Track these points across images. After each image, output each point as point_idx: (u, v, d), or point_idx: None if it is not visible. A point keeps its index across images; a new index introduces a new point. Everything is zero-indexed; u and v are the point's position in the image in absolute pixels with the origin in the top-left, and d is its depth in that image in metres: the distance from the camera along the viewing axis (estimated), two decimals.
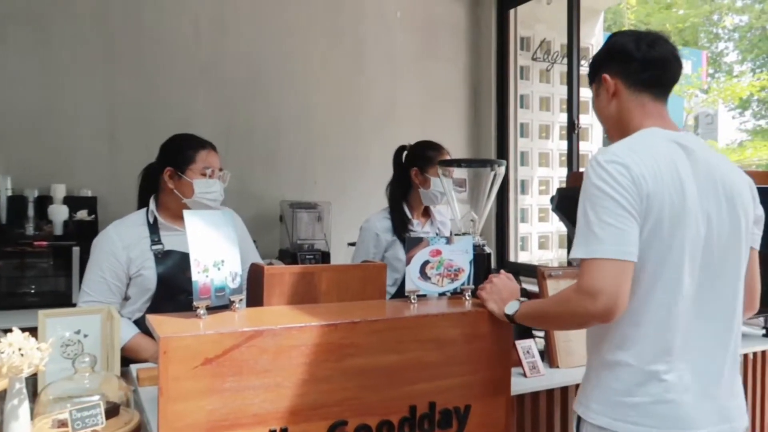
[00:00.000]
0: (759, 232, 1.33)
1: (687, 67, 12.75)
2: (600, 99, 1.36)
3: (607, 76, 1.32)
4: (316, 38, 3.68)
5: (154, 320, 1.16)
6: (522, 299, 1.34)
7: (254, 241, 2.22)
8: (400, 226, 2.22)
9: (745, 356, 2.15)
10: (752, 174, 2.28)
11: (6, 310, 2.56)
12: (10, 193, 2.77)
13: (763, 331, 2.30)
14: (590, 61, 1.41)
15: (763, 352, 2.19)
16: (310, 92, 3.67)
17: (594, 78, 1.38)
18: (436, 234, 2.33)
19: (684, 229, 1.17)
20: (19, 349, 0.99)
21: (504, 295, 1.36)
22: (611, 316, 1.11)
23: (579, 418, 1.27)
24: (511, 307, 1.32)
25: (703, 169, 1.23)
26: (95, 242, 1.80)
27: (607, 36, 1.40)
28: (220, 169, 1.86)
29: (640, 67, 1.29)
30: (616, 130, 1.34)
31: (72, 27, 3.10)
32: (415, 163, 2.26)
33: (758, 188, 2.12)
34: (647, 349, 1.18)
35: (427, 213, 2.35)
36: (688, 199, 1.18)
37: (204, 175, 1.81)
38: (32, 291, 2.67)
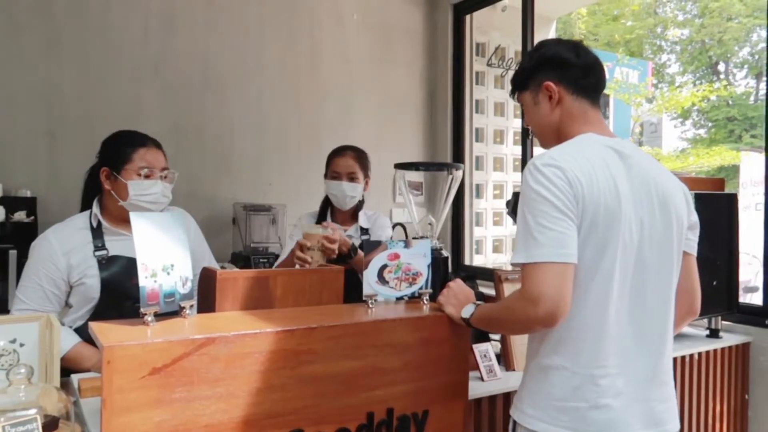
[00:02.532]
0: (695, 238, 1.35)
1: (634, 77, 13.24)
2: (540, 107, 1.34)
3: (551, 84, 1.31)
4: (271, 39, 3.62)
5: (97, 328, 1.10)
6: (478, 303, 1.34)
7: None
8: None
9: (690, 357, 2.22)
10: (692, 180, 2.38)
11: None
12: None
13: (707, 332, 2.38)
14: (517, 71, 1.40)
15: (707, 353, 2.27)
16: (265, 94, 3.61)
17: (527, 86, 1.36)
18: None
19: (617, 234, 1.17)
20: None
21: (461, 298, 1.36)
22: (554, 320, 1.11)
23: (514, 423, 1.26)
24: (467, 311, 1.32)
25: (637, 174, 1.24)
26: (33, 246, 1.69)
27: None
28: (164, 169, 1.74)
29: (581, 72, 1.31)
30: (555, 137, 1.33)
31: (11, 17, 2.94)
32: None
33: (698, 194, 2.22)
34: (581, 353, 1.18)
35: (355, 218, 2.36)
36: (622, 203, 1.18)
37: (141, 175, 1.68)
38: None
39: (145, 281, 1.10)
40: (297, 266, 1.83)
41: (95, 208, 1.72)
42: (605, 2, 13.74)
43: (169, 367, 1.02)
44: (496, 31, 4.34)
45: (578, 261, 1.14)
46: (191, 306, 1.20)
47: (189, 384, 1.04)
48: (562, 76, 1.31)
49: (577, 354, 1.18)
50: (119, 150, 1.70)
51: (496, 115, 4.42)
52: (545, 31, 4.70)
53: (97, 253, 1.67)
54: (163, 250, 1.14)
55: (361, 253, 1.88)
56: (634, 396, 1.20)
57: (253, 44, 3.56)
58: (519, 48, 3.86)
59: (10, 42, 2.94)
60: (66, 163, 3.02)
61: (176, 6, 3.34)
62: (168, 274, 1.15)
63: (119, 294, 1.65)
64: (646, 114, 14.13)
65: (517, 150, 4.28)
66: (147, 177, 1.69)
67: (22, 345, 1.33)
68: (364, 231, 2.33)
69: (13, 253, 2.58)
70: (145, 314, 1.10)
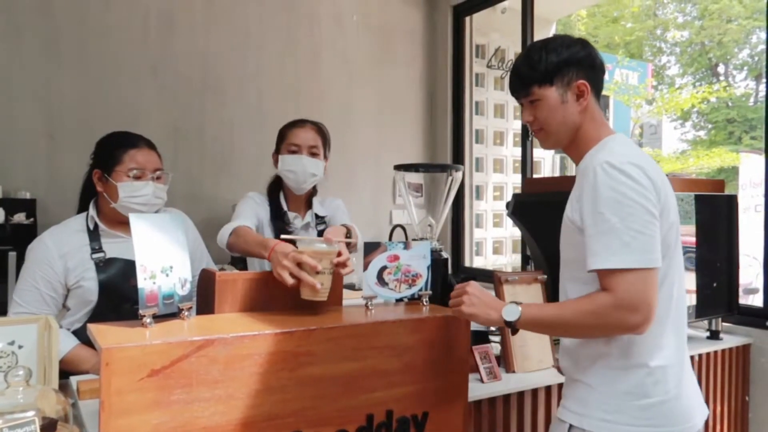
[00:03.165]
0: None
1: (633, 78, 13.25)
2: (567, 105, 1.28)
3: (585, 84, 1.27)
4: (270, 40, 3.62)
5: (95, 329, 1.09)
6: (518, 303, 1.23)
7: None
8: (274, 215, 2.03)
9: (691, 358, 2.21)
10: (693, 182, 2.38)
11: None
12: None
13: (707, 334, 2.38)
14: (533, 62, 1.29)
15: (707, 355, 2.26)
16: (265, 94, 3.61)
17: (552, 81, 1.27)
18: (321, 228, 2.08)
19: (675, 236, 1.23)
20: None
21: (488, 301, 1.26)
22: (647, 327, 1.12)
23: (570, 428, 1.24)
24: (512, 313, 1.21)
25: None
26: (29, 249, 1.68)
27: (531, 43, 1.38)
28: (157, 170, 1.71)
29: (601, 74, 1.32)
30: (570, 138, 1.31)
31: (10, 18, 2.94)
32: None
33: (698, 195, 2.22)
34: (656, 350, 1.20)
35: (310, 205, 2.12)
36: (672, 204, 1.23)
37: (131, 177, 1.66)
38: None
39: (144, 283, 1.09)
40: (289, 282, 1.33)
41: (92, 210, 1.72)
42: (605, 4, 13.76)
43: (167, 369, 1.02)
44: (495, 32, 4.35)
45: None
46: (190, 308, 1.20)
47: (188, 386, 1.03)
48: (592, 78, 1.29)
49: (651, 351, 1.20)
50: (110, 152, 1.69)
51: (496, 116, 4.42)
52: (544, 33, 4.70)
53: (95, 256, 1.66)
54: (162, 252, 1.14)
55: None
56: (689, 385, 1.27)
57: (252, 45, 3.56)
58: (518, 50, 3.86)
59: (9, 43, 2.94)
60: (65, 165, 3.02)
61: (175, 7, 3.34)
62: (167, 275, 1.14)
63: (117, 296, 1.65)
64: (645, 116, 14.15)
65: (517, 151, 4.29)
66: (137, 178, 1.67)
67: (20, 347, 1.33)
68: (320, 219, 2.11)
69: (12, 255, 2.58)
70: (144, 316, 1.09)
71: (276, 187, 2.08)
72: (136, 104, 3.23)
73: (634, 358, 1.20)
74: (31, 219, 2.81)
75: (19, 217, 2.76)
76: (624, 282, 1.10)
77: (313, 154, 2.00)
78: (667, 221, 1.20)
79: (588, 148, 1.29)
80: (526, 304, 1.22)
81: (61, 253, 1.65)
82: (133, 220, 1.10)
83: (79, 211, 1.78)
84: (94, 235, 1.69)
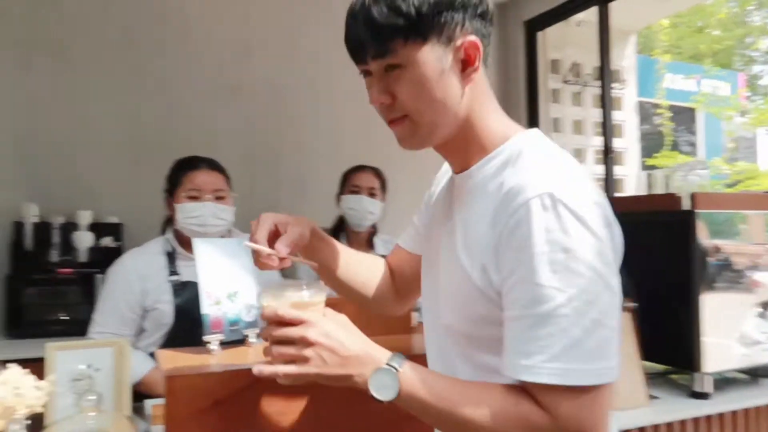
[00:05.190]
0: None
1: (725, 89, 12.47)
2: (447, 77, 0.80)
3: (477, 44, 0.80)
4: (341, 66, 3.63)
5: (162, 355, 1.09)
6: (399, 362, 0.76)
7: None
8: None
9: None
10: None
11: (31, 338, 2.53)
12: (36, 220, 2.76)
13: None
14: (417, 4, 0.76)
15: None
16: (339, 118, 3.63)
17: (427, 35, 0.77)
18: None
19: None
20: (15, 388, 0.93)
21: (345, 353, 0.76)
22: None
23: None
24: (385, 389, 0.75)
25: None
26: (110, 270, 1.74)
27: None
28: (217, 190, 1.73)
29: (490, 30, 0.85)
30: (453, 132, 0.84)
31: (97, 53, 3.13)
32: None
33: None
34: None
35: (371, 245, 2.30)
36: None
37: (191, 198, 1.70)
38: (57, 319, 2.63)
39: (209, 309, 1.08)
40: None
41: (168, 233, 1.76)
42: (688, 14, 13.10)
43: (231, 398, 0.99)
44: (571, 47, 4.20)
45: None
46: (257, 334, 1.18)
47: (251, 416, 1.00)
48: (485, 35, 0.83)
49: None
50: (174, 175, 1.77)
51: (574, 133, 4.25)
52: (623, 46, 4.50)
53: (171, 279, 1.69)
54: (227, 277, 1.12)
55: None
56: None
57: (322, 71, 3.60)
58: (597, 64, 3.70)
59: (96, 72, 3.13)
60: (149, 189, 3.14)
61: (250, 35, 3.45)
62: (232, 301, 1.13)
63: (192, 320, 1.66)
64: (740, 128, 13.25)
65: (599, 169, 4.08)
66: (194, 199, 1.71)
67: (97, 370, 1.36)
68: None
69: (100, 278, 2.69)
70: (209, 342, 1.08)
71: (338, 228, 2.31)
72: (215, 130, 3.34)
73: None
74: (118, 242, 2.93)
75: (107, 241, 2.88)
76: (570, 405, 0.70)
77: (372, 195, 2.26)
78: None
79: (485, 151, 0.84)
80: (410, 370, 0.76)
81: (140, 275, 1.69)
82: (197, 244, 1.09)
83: (162, 234, 1.84)
84: (171, 258, 1.73)
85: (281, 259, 0.86)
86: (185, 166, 1.77)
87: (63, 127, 3.05)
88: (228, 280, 1.13)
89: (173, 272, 1.70)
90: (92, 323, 1.71)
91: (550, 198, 0.71)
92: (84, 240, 2.78)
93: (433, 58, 0.78)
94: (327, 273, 1.00)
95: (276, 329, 0.76)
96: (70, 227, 2.82)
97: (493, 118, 0.85)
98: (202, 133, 3.30)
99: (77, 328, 2.56)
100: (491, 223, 0.76)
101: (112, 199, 3.11)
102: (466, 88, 0.81)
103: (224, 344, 1.13)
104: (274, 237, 0.88)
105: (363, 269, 1.05)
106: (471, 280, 0.78)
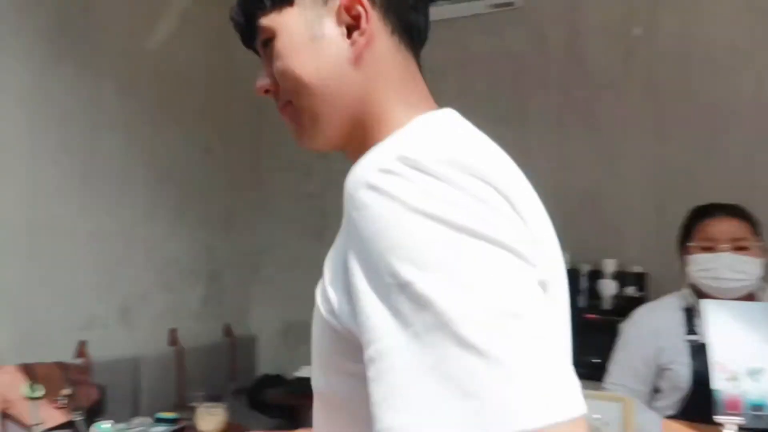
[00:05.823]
0: None
1: None
2: (323, 44, 0.63)
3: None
4: None
5: (668, 427, 0.99)
6: None
7: None
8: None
9: None
10: None
11: None
12: (566, 267, 3.02)
13: None
14: None
15: None
16: None
17: None
18: None
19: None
20: None
21: None
22: None
23: None
24: None
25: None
26: (626, 323, 1.75)
27: None
28: (738, 239, 1.51)
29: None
30: (346, 119, 0.65)
31: (621, 105, 3.23)
32: None
33: None
34: None
35: None
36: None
37: (704, 249, 1.53)
38: (578, 361, 2.78)
39: (722, 384, 0.92)
40: None
41: (686, 288, 1.63)
42: None
43: None
44: None
45: None
46: None
47: None
48: None
49: None
50: (688, 224, 1.66)
51: None
52: None
53: (689, 338, 1.55)
54: (747, 349, 0.93)
55: None
56: None
57: None
58: None
59: (623, 128, 3.22)
60: (673, 238, 3.01)
61: None
62: (755, 380, 0.93)
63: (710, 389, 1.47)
64: None
65: None
66: (706, 250, 1.55)
67: (606, 424, 1.35)
68: None
69: (621, 327, 2.71)
70: (723, 425, 0.91)
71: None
72: (749, 174, 2.92)
73: None
74: (642, 293, 2.90)
75: (630, 291, 2.89)
76: None
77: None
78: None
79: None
80: None
81: (655, 331, 1.63)
82: (706, 307, 0.95)
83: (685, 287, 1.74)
84: (689, 314, 1.59)
85: None
86: (700, 214, 1.64)
87: (591, 179, 3.28)
88: (748, 353, 0.93)
89: (691, 331, 1.55)
90: (608, 373, 1.73)
91: (402, 160, 0.49)
92: (608, 288, 2.87)
93: (300, 22, 0.64)
94: None
95: None
96: (596, 275, 2.97)
97: (401, 104, 0.64)
98: (732, 177, 2.94)
99: (598, 373, 2.66)
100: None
101: (637, 249, 3.11)
102: (354, 62, 0.63)
103: (745, 430, 0.93)
104: None
105: None
106: (317, 304, 0.57)
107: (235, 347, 3.58)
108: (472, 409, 0.41)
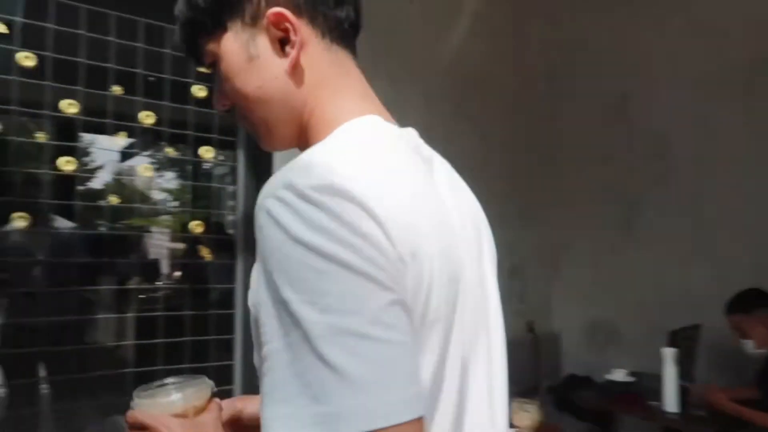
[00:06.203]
0: None
1: None
2: (260, 64, 0.70)
3: (284, 13, 0.68)
4: None
5: None
6: None
7: None
8: None
9: None
10: None
11: None
12: None
13: None
14: None
15: None
16: None
17: (222, 20, 0.70)
18: None
19: (461, 311, 0.65)
20: None
21: None
22: None
23: None
24: None
25: (457, 198, 0.73)
26: None
27: None
28: None
29: None
30: (293, 126, 0.73)
31: None
32: None
33: None
34: None
35: None
36: (463, 257, 0.67)
37: None
38: None
39: None
40: None
41: None
42: None
43: None
44: None
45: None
46: None
47: None
48: (298, 3, 0.69)
49: None
50: None
51: None
52: None
53: None
54: None
55: None
56: None
57: None
58: None
59: None
60: None
61: None
62: None
63: None
64: None
65: None
66: None
67: None
68: None
69: None
70: None
71: None
72: None
73: None
74: None
75: None
76: None
77: None
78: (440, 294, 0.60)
79: None
80: None
81: None
82: None
83: None
84: None
85: None
86: None
87: None
88: None
89: None
90: None
91: (291, 190, 0.56)
92: None
93: (237, 45, 0.70)
94: None
95: None
96: None
97: (336, 105, 0.70)
98: None
99: None
100: None
101: None
102: (291, 73, 0.69)
103: None
104: None
105: None
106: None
107: (539, 344, 3.49)
108: (321, 413, 0.50)
